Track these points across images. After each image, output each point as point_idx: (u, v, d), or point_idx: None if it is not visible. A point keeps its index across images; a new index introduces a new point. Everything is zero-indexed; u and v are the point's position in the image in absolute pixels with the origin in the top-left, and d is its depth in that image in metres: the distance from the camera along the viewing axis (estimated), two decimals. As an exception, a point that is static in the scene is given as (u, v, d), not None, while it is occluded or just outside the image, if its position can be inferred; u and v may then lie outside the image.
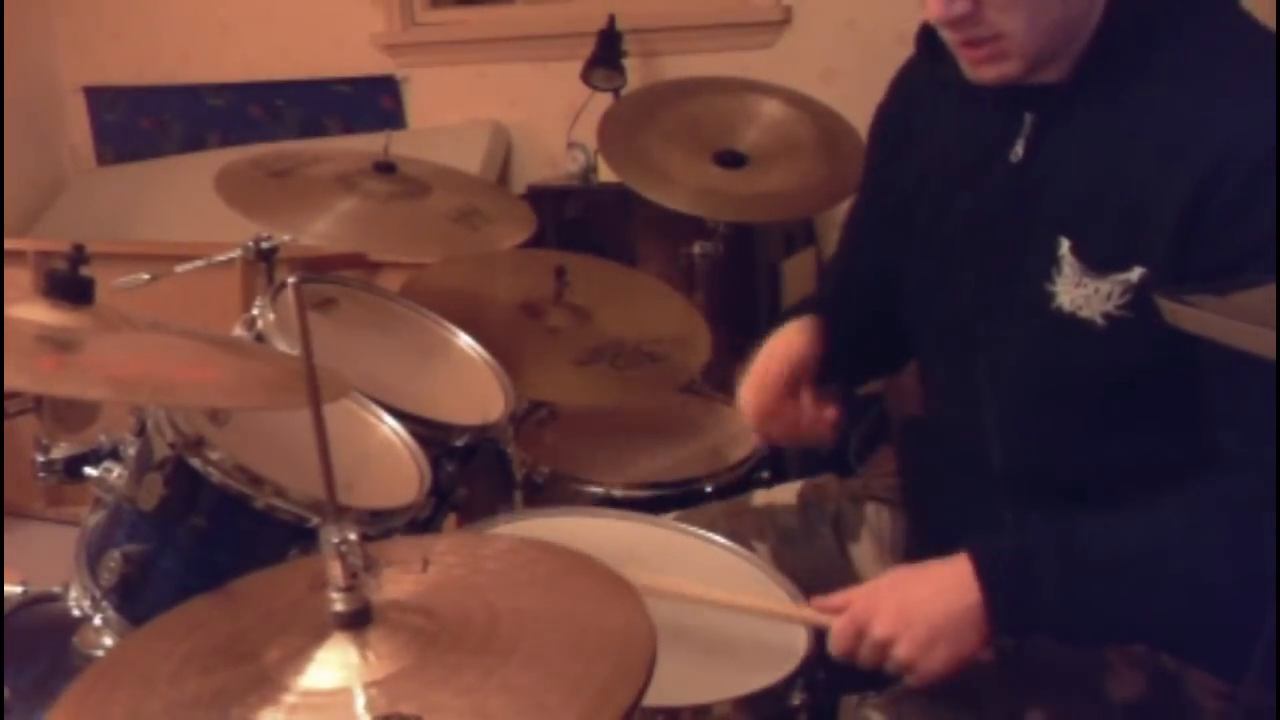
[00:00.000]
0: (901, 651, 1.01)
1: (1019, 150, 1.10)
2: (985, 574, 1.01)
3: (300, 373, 0.91)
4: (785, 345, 1.32)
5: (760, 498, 1.45)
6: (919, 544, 1.30)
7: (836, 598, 1.07)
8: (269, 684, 0.76)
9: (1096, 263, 1.03)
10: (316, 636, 0.79)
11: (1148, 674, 1.08)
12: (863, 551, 1.37)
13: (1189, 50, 1.02)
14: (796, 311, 1.37)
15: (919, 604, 1.02)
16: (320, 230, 1.63)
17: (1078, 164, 1.06)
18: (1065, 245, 1.05)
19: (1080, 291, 1.04)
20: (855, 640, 1.03)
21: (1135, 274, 1.01)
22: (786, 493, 1.44)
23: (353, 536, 0.78)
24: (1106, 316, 1.03)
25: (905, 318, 1.28)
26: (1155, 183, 0.99)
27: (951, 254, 1.18)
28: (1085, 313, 1.04)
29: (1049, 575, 1.00)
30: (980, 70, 1.07)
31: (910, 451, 1.37)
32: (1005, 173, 1.11)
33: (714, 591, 1.12)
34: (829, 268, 1.54)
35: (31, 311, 1.10)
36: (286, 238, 1.68)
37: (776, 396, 1.29)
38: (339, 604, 0.79)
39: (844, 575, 1.35)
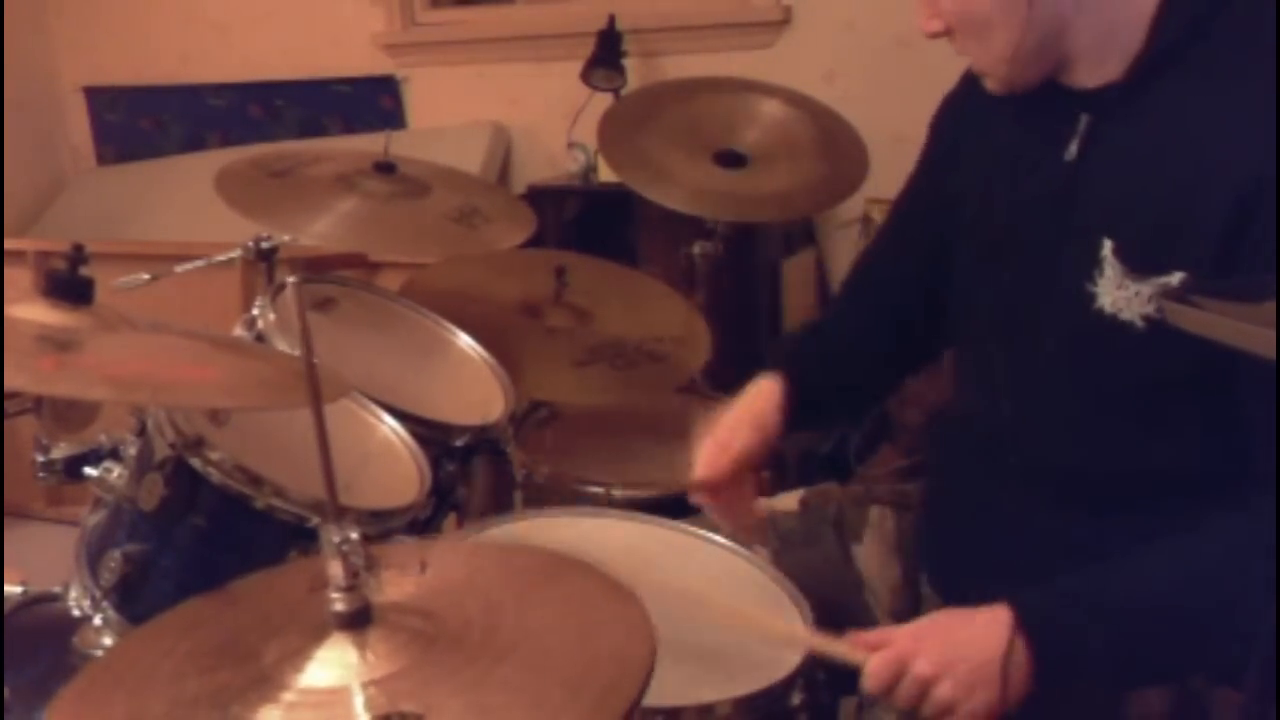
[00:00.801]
0: (944, 691, 0.99)
1: (1073, 150, 1.10)
2: (1029, 622, 1.00)
3: (299, 372, 0.91)
4: (750, 417, 1.31)
5: (762, 504, 1.45)
6: (936, 536, 1.31)
7: (874, 635, 1.06)
8: (268, 683, 0.76)
9: (1138, 265, 1.03)
10: (316, 636, 0.79)
11: (1173, 691, 1.08)
12: (866, 552, 1.37)
13: (1238, 52, 1.01)
14: (776, 355, 1.39)
15: (964, 645, 1.00)
16: (320, 230, 1.63)
17: (1127, 166, 1.05)
18: (1109, 246, 1.04)
19: (1121, 294, 1.04)
20: (895, 676, 1.01)
21: (1175, 278, 1.00)
22: (789, 499, 1.44)
23: (354, 536, 0.78)
24: (1146, 319, 1.02)
25: (950, 311, 1.28)
26: (1199, 187, 0.98)
27: (996, 249, 1.18)
28: (1126, 315, 1.03)
29: (1092, 624, 0.99)
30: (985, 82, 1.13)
31: (936, 442, 1.37)
32: (1057, 172, 1.11)
33: (746, 610, 1.12)
34: (858, 258, 1.55)
35: (31, 311, 1.10)
36: (286, 238, 1.68)
37: (724, 478, 1.29)
38: (339, 604, 0.79)
39: (846, 576, 1.35)
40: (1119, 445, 1.09)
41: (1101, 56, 1.06)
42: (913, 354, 1.41)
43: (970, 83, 1.23)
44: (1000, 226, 1.18)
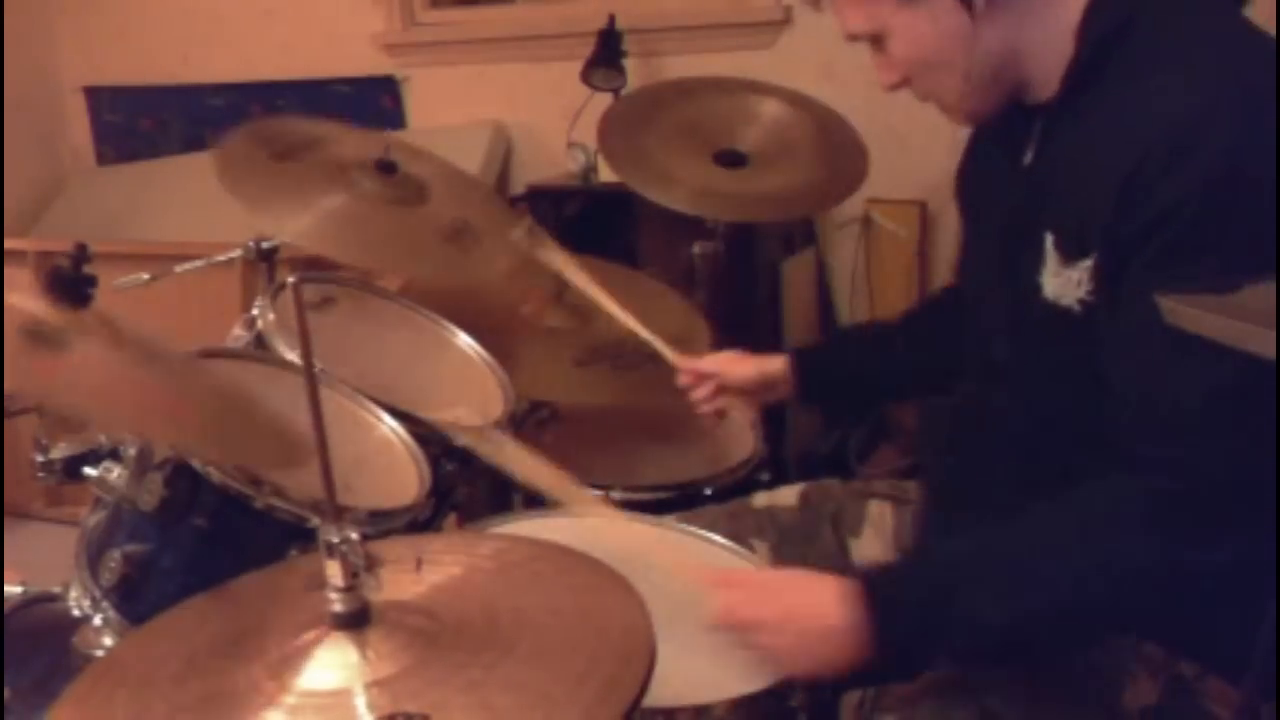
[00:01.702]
0: (766, 641, 1.05)
1: (1029, 155, 1.16)
2: (866, 598, 1.04)
3: (278, 430, 0.91)
4: (754, 357, 1.55)
5: (761, 499, 1.46)
6: (933, 519, 1.32)
7: (723, 572, 1.13)
8: (270, 685, 0.76)
9: (1068, 253, 1.08)
10: (316, 637, 0.79)
11: (1163, 681, 1.09)
12: (864, 547, 1.38)
13: (1161, 49, 1.05)
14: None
15: (800, 609, 1.06)
16: (306, 230, 1.53)
17: (1066, 164, 1.11)
18: (1050, 239, 1.10)
19: (1058, 281, 1.09)
20: (730, 619, 1.07)
21: (1092, 259, 1.05)
22: (788, 494, 1.45)
23: (353, 536, 0.78)
24: (1081, 303, 1.07)
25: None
26: (1104, 171, 1.03)
27: (980, 252, 1.27)
28: (1065, 300, 1.08)
29: (918, 595, 1.05)
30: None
31: (935, 433, 1.41)
32: (1017, 176, 1.17)
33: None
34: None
35: (24, 302, 1.09)
36: (286, 238, 1.67)
37: (706, 368, 1.55)
38: (338, 604, 0.79)
39: (844, 572, 1.35)
40: (1071, 423, 1.12)
41: (1050, 73, 1.11)
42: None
43: (971, 146, 1.33)
44: (981, 227, 1.27)
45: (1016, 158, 1.17)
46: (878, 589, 1.05)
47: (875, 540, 1.38)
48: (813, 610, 1.05)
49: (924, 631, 1.04)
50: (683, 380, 1.59)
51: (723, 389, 1.56)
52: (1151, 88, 1.03)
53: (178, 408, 1.08)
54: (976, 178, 1.31)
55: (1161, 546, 0.98)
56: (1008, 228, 1.17)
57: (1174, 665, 1.09)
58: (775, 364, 1.52)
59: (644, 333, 1.63)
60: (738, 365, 1.55)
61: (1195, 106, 0.98)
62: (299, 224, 1.54)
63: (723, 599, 1.08)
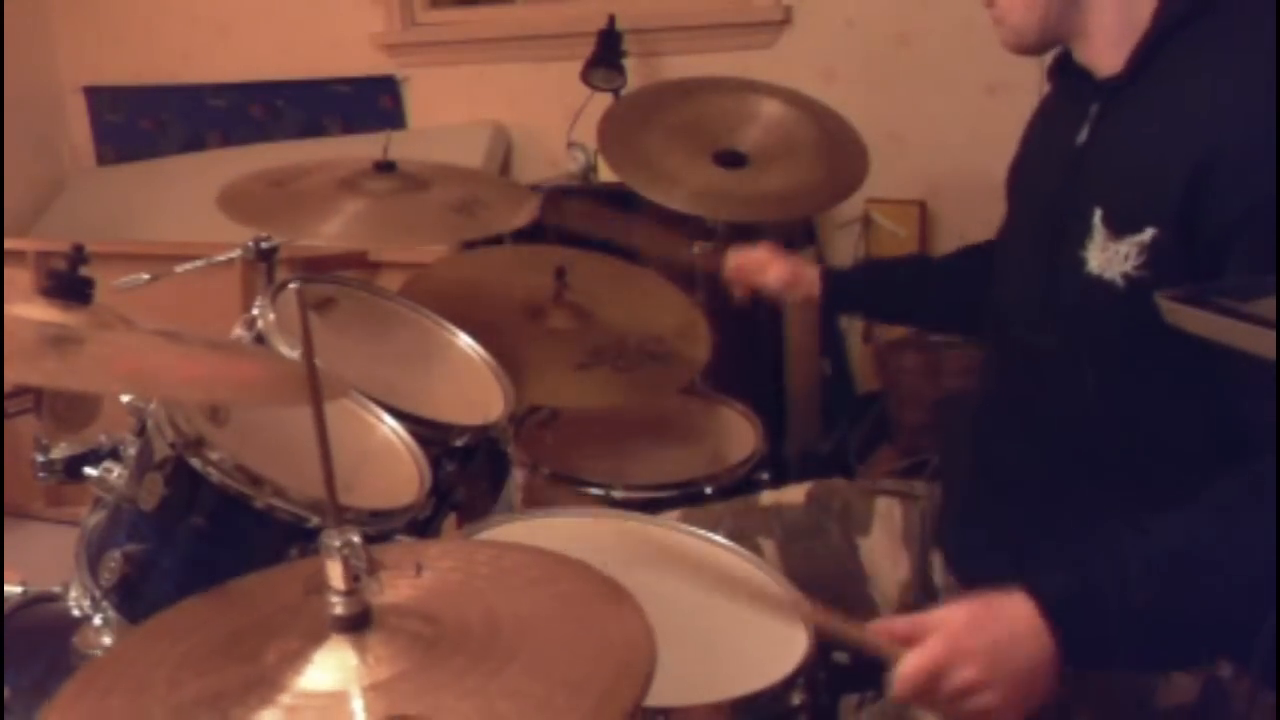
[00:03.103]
0: (988, 700, 0.96)
1: (1083, 135, 1.17)
2: (1055, 616, 0.96)
3: (293, 371, 0.91)
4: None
5: (768, 497, 1.46)
6: (955, 518, 1.33)
7: (904, 624, 1.01)
8: (268, 686, 0.76)
9: (1119, 226, 1.08)
10: (315, 639, 0.79)
11: (1201, 683, 1.09)
12: (872, 545, 1.38)
13: (1228, 35, 1.07)
14: None
15: (1009, 649, 0.96)
16: (329, 231, 1.61)
17: (1122, 144, 1.13)
18: (1099, 214, 1.11)
19: (1104, 255, 1.09)
20: (934, 681, 0.96)
21: (1148, 234, 1.05)
22: (795, 492, 1.45)
23: (355, 539, 0.78)
24: (1125, 277, 1.07)
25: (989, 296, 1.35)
26: (1171, 149, 1.05)
27: (1019, 232, 1.29)
28: (1109, 274, 1.09)
29: (1111, 608, 0.97)
30: (998, 33, 1.21)
31: (954, 424, 1.41)
32: (1069, 156, 1.18)
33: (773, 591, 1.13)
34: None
35: (33, 310, 1.10)
36: (288, 239, 1.68)
37: (753, 259, 1.70)
38: (339, 607, 0.79)
39: (851, 569, 1.35)
40: (1125, 411, 1.12)
41: (1116, 38, 1.13)
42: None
43: (1024, 143, 1.34)
44: (1024, 207, 1.29)
45: (1070, 139, 1.18)
46: (1064, 610, 0.97)
47: (884, 538, 1.37)
48: (1019, 648, 0.96)
49: (1106, 638, 0.98)
50: (732, 263, 1.72)
51: (760, 272, 1.69)
52: (1225, 75, 1.04)
53: (220, 370, 1.09)
54: (1027, 164, 1.33)
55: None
56: (1052, 205, 1.18)
57: (1215, 666, 1.08)
58: (810, 269, 1.66)
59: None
60: (778, 258, 1.69)
61: (1269, 99, 0.99)
62: (326, 228, 1.61)
63: (914, 664, 0.96)
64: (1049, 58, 1.27)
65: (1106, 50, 1.14)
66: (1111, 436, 1.13)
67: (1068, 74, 1.24)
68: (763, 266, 1.69)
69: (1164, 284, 0.92)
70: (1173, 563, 0.97)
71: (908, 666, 0.96)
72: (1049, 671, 0.96)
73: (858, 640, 1.03)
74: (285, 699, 0.75)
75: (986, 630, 0.97)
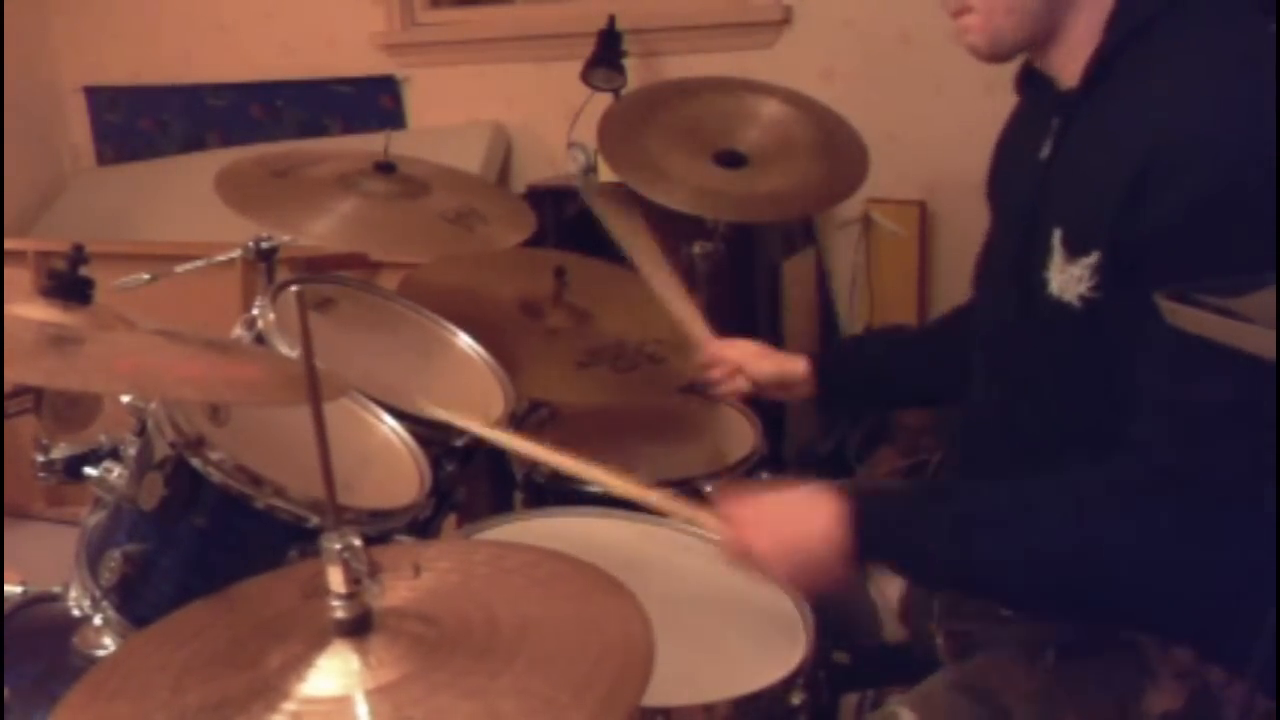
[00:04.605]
0: (779, 569, 1.13)
1: (1046, 150, 1.16)
2: (855, 521, 1.08)
3: (293, 371, 0.91)
4: (776, 354, 1.63)
5: (742, 386, 1.49)
6: None
7: (720, 512, 1.18)
8: (271, 692, 0.76)
9: (1074, 248, 1.08)
10: (317, 643, 0.79)
11: (1190, 689, 1.09)
12: None
13: (1179, 51, 1.05)
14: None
15: (798, 538, 1.11)
16: (320, 230, 1.62)
17: (1079, 160, 1.11)
18: (1058, 234, 1.10)
19: (1062, 277, 1.08)
20: (742, 552, 1.14)
21: (1094, 257, 1.05)
22: None
23: (356, 542, 0.78)
24: (1082, 299, 1.07)
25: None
26: (1111, 167, 1.03)
27: (996, 250, 1.28)
28: (1067, 296, 1.08)
29: (915, 526, 1.10)
30: (964, 43, 1.17)
31: (949, 434, 1.42)
32: (1033, 171, 1.17)
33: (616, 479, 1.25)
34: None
35: (33, 310, 1.10)
36: (286, 238, 1.68)
37: (724, 354, 1.63)
38: (340, 611, 0.79)
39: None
40: (1091, 427, 1.11)
41: (1076, 57, 1.11)
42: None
43: (999, 148, 1.32)
44: (997, 224, 1.28)
45: (1036, 153, 1.17)
46: (863, 519, 1.09)
47: None
48: (809, 542, 1.10)
49: (885, 552, 1.13)
50: (706, 358, 1.66)
51: (739, 375, 1.62)
52: (1167, 88, 1.02)
53: (220, 370, 1.09)
54: (1001, 177, 1.32)
55: (1139, 534, 0.99)
56: (1020, 223, 1.17)
57: (1203, 672, 1.08)
58: (797, 366, 1.58)
59: (677, 306, 1.70)
60: (761, 360, 1.61)
61: (1208, 112, 0.98)
62: (319, 227, 1.60)
63: (725, 544, 1.15)
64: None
65: (1070, 60, 1.12)
66: (1079, 452, 1.12)
67: (1033, 84, 1.22)
68: (744, 369, 1.62)
69: (1115, 307, 1.02)
70: (960, 520, 1.08)
71: (724, 542, 1.16)
72: (835, 562, 1.09)
73: (690, 519, 1.23)
74: (289, 705, 0.75)
75: (783, 519, 1.14)
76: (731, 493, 1.18)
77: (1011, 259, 1.18)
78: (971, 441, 1.31)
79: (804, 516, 1.11)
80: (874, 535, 1.09)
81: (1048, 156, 1.15)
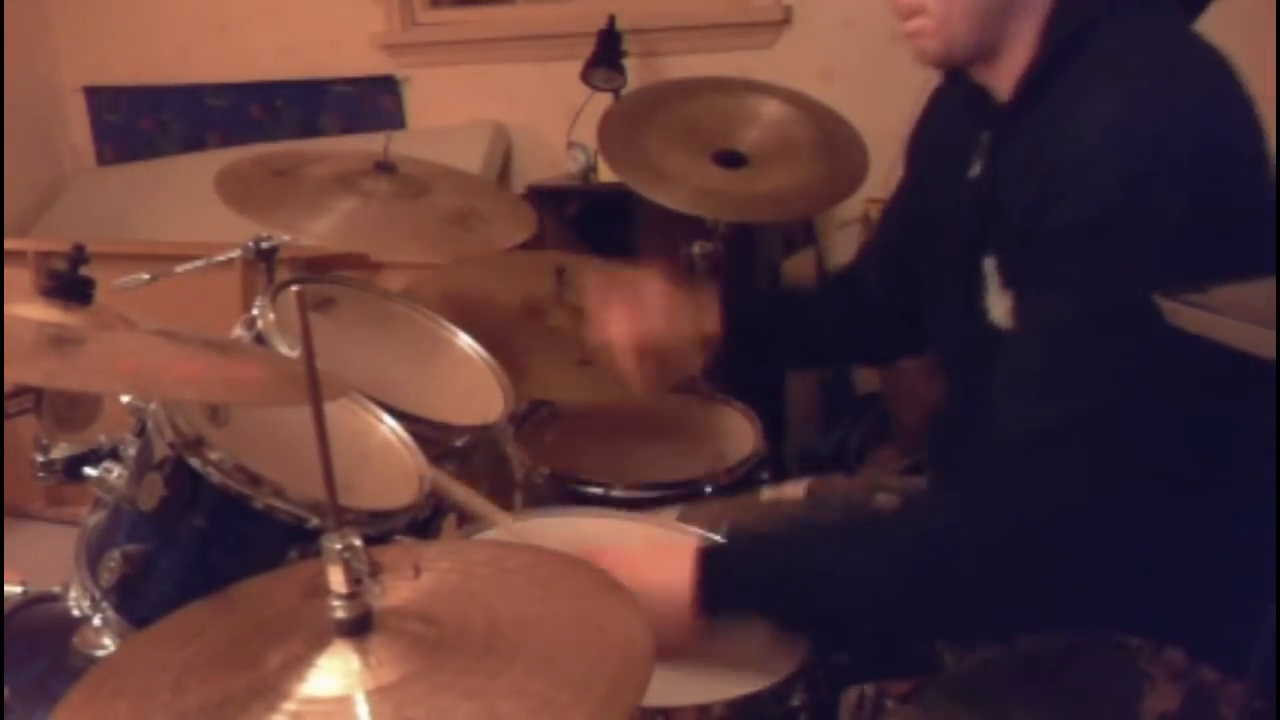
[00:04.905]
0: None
1: (976, 169, 1.12)
2: (705, 579, 1.05)
3: (294, 371, 0.91)
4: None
5: (768, 494, 1.46)
6: None
7: (591, 549, 1.11)
8: (271, 692, 0.76)
9: (1008, 276, 1.05)
10: (317, 644, 0.79)
11: (1186, 688, 1.09)
12: None
13: (1107, 65, 1.01)
14: None
15: (652, 588, 1.03)
16: (320, 230, 1.63)
17: (1007, 180, 1.06)
18: (992, 263, 1.07)
19: (1001, 305, 1.06)
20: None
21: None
22: (795, 488, 1.45)
23: (357, 542, 0.78)
24: None
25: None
26: (1029, 191, 1.01)
27: (935, 269, 1.23)
28: (1007, 324, 1.06)
29: (754, 583, 1.08)
30: (914, 46, 1.11)
31: (930, 441, 1.42)
32: (965, 190, 1.13)
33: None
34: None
35: (33, 310, 1.10)
36: (286, 238, 1.68)
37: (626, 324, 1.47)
38: (341, 611, 0.79)
39: None
40: None
41: (1012, 71, 1.07)
42: (890, 347, 1.50)
43: (932, 105, 1.28)
44: (933, 242, 1.23)
45: (964, 169, 1.13)
46: (711, 578, 1.06)
47: None
48: (662, 592, 1.05)
49: (736, 607, 1.08)
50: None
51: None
52: (1085, 106, 0.99)
53: (220, 370, 1.09)
54: (932, 179, 1.25)
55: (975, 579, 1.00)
56: (955, 251, 1.13)
57: (1198, 673, 1.08)
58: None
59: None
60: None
61: (1114, 118, 0.96)
62: (320, 227, 1.60)
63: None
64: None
65: (1008, 74, 1.07)
66: None
67: (959, 89, 1.17)
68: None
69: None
70: (781, 574, 1.07)
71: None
72: (679, 616, 1.05)
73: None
74: (289, 705, 0.75)
75: (639, 571, 1.03)
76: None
77: (952, 289, 1.15)
78: (940, 451, 1.30)
79: (665, 568, 1.08)
80: (721, 593, 1.06)
81: (977, 176, 1.11)
